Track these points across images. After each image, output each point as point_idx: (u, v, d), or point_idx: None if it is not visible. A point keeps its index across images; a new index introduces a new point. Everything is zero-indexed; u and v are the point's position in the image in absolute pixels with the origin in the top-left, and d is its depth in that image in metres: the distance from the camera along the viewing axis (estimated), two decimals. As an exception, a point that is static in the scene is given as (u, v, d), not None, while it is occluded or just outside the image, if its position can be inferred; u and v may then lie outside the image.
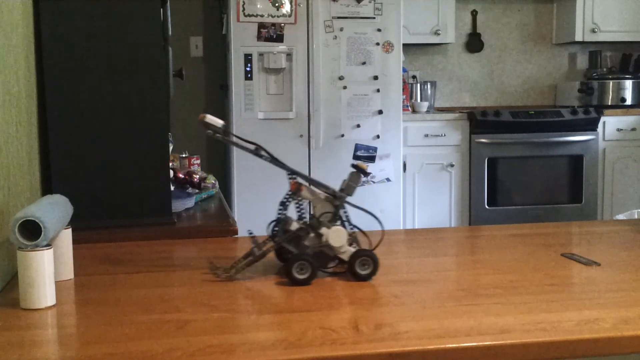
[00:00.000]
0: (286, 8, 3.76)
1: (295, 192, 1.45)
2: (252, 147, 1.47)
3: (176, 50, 3.66)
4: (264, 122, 3.81)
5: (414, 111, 4.40)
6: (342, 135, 3.89)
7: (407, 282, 1.44)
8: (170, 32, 2.39)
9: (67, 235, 1.47)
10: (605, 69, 4.86)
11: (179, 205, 2.19)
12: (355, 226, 1.49)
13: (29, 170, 1.77)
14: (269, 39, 3.76)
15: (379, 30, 3.87)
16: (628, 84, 4.61)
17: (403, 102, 4.08)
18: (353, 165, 1.49)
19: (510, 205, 4.30)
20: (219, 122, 1.44)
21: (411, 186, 4.18)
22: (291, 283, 1.39)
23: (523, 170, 4.31)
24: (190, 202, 2.26)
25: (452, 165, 4.22)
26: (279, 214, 1.47)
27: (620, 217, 2.45)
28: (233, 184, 3.84)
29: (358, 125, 3.89)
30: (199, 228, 2.05)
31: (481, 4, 4.88)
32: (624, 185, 4.41)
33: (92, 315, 1.24)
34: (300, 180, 1.47)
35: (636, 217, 2.38)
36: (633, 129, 4.40)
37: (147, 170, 2.01)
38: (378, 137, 3.93)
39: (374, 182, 3.94)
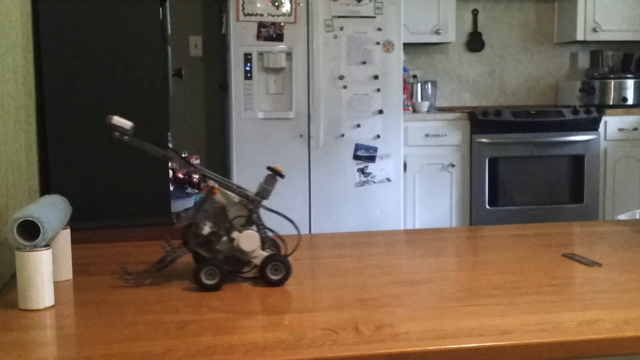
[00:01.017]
0: (286, 7, 3.75)
1: (207, 195, 1.42)
2: (162, 151, 1.42)
3: (175, 50, 3.66)
4: (264, 121, 3.80)
5: (414, 111, 4.39)
6: (342, 135, 3.88)
7: (407, 282, 1.43)
8: (169, 32, 2.38)
9: (65, 235, 1.47)
10: (606, 69, 4.85)
11: (179, 205, 2.18)
12: (270, 230, 1.45)
13: (27, 170, 1.77)
14: (269, 38, 3.75)
15: (379, 29, 3.86)
16: (630, 83, 4.60)
17: (403, 101, 4.07)
18: (268, 168, 1.46)
19: (511, 205, 4.29)
20: (127, 123, 1.40)
21: (412, 186, 4.18)
22: (200, 288, 1.36)
23: (524, 170, 4.30)
24: (189, 202, 2.26)
25: (452, 165, 4.21)
26: (193, 217, 1.43)
27: (622, 217, 2.44)
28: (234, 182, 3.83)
29: (358, 125, 3.88)
30: (198, 228, 2.04)
31: (482, 3, 4.88)
32: (625, 185, 4.40)
33: (90, 316, 1.24)
34: (214, 183, 1.43)
35: (638, 217, 2.37)
36: (635, 129, 4.39)
37: (147, 171, 2.00)
38: (378, 136, 3.92)
39: (374, 182, 3.94)
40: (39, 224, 1.28)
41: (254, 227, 1.42)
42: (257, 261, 1.41)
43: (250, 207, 1.43)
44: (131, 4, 2.00)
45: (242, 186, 1.45)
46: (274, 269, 1.40)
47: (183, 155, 2.79)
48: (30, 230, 1.29)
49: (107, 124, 1.39)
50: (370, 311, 1.24)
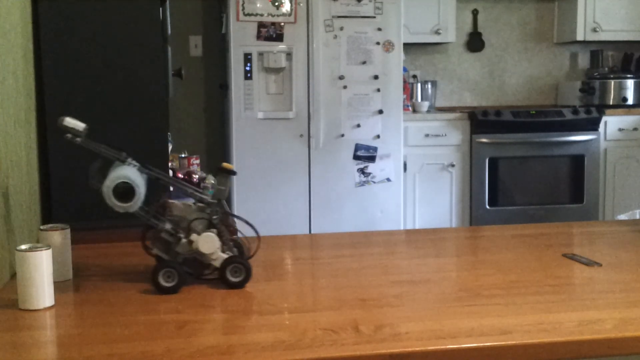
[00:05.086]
0: (286, 7, 3.75)
1: (164, 212, 1.41)
2: (117, 154, 1.40)
3: (175, 50, 3.66)
4: (264, 121, 3.80)
5: (414, 111, 4.39)
6: (342, 135, 3.88)
7: (407, 282, 1.43)
8: (169, 32, 2.39)
9: (65, 235, 1.47)
10: (606, 69, 4.84)
11: (179, 205, 2.18)
12: (231, 231, 1.44)
13: (27, 169, 1.77)
14: (269, 38, 3.75)
15: (379, 29, 3.86)
16: (630, 83, 4.59)
17: (403, 101, 4.07)
18: (218, 168, 1.45)
19: (511, 205, 4.29)
20: (80, 125, 1.38)
21: (412, 186, 4.17)
22: (157, 291, 1.35)
23: (524, 170, 4.30)
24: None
25: (452, 165, 4.21)
26: (151, 222, 1.41)
27: (622, 217, 2.45)
28: (233, 184, 3.83)
29: (358, 125, 3.88)
30: (198, 228, 2.04)
31: (482, 3, 4.88)
32: (625, 185, 4.40)
33: (91, 316, 1.24)
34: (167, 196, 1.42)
35: (637, 217, 2.37)
36: (635, 129, 4.39)
37: (147, 170, 2.00)
38: (378, 136, 3.92)
39: (374, 182, 3.93)
40: (134, 187, 1.30)
41: (214, 230, 1.41)
42: (217, 263, 1.40)
43: (209, 211, 1.42)
44: (131, 4, 2.00)
45: (199, 189, 1.43)
46: (234, 271, 1.39)
47: (183, 156, 2.78)
48: (122, 195, 1.32)
49: (59, 126, 1.36)
50: (370, 311, 1.24)
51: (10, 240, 1.53)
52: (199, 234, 1.39)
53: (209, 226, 1.41)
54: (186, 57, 4.39)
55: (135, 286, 1.41)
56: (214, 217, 1.41)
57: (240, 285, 1.39)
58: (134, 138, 2.00)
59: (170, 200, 1.42)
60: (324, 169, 3.86)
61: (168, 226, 1.40)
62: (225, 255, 1.40)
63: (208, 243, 1.39)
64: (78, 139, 1.38)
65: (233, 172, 1.44)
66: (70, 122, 1.37)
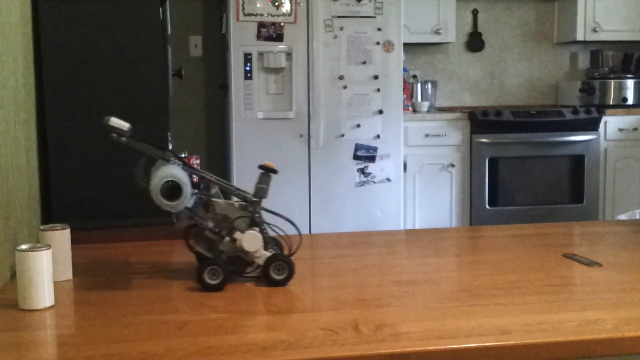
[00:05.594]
0: (286, 7, 3.75)
1: (207, 210, 1.43)
2: (160, 152, 1.42)
3: (175, 50, 3.66)
4: (264, 121, 3.80)
5: (414, 111, 4.39)
6: (342, 135, 3.88)
7: (407, 282, 1.43)
8: (169, 32, 2.39)
9: (65, 235, 1.47)
10: (606, 69, 4.84)
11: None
12: (274, 230, 1.45)
13: (27, 170, 1.77)
14: (269, 38, 3.75)
15: (379, 29, 3.86)
16: (630, 83, 4.59)
17: (403, 101, 4.07)
18: (260, 166, 1.46)
19: (511, 205, 4.29)
20: (125, 125, 1.39)
21: (412, 186, 4.17)
22: (203, 288, 1.37)
23: (524, 170, 4.30)
24: (189, 203, 2.25)
25: (452, 165, 4.21)
26: (196, 220, 1.43)
27: (622, 217, 2.45)
28: (233, 184, 3.83)
29: (358, 125, 3.88)
30: (198, 228, 2.04)
31: (482, 3, 4.88)
32: (625, 185, 4.40)
33: (91, 316, 1.24)
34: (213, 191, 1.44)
35: (638, 217, 2.37)
36: (635, 129, 4.39)
37: (147, 170, 2.00)
38: (378, 137, 3.92)
39: (374, 182, 3.93)
40: (182, 185, 1.31)
41: (256, 228, 1.42)
42: (260, 261, 1.41)
43: (251, 210, 1.43)
44: (131, 4, 2.00)
45: (240, 188, 1.45)
46: (277, 268, 1.40)
47: (183, 156, 2.79)
48: (169, 193, 1.33)
49: (104, 125, 1.38)
50: (370, 311, 1.24)
51: (10, 240, 1.53)
52: (242, 232, 1.40)
53: (251, 224, 1.42)
54: (186, 57, 4.39)
55: (136, 286, 1.41)
56: (256, 215, 1.42)
57: (283, 282, 1.40)
58: (134, 138, 2.00)
59: (214, 199, 1.43)
60: (324, 169, 3.86)
61: (211, 224, 1.41)
62: (268, 253, 1.42)
63: (252, 241, 1.40)
64: (123, 139, 1.40)
65: (274, 171, 1.46)
66: (115, 121, 1.39)
